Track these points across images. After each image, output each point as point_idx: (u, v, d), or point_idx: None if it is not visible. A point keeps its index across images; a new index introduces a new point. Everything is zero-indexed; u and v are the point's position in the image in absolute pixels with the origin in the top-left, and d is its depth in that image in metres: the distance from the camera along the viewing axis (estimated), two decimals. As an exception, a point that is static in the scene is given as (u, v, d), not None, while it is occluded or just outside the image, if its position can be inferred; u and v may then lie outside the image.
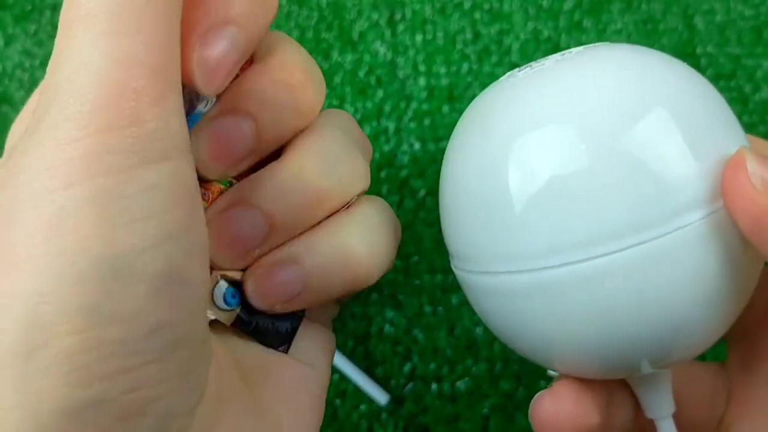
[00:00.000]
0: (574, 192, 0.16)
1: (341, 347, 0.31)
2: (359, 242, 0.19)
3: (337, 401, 0.31)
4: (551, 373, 0.28)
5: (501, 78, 0.19)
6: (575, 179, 0.16)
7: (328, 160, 0.19)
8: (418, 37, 0.37)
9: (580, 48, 0.19)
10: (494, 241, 0.17)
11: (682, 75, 0.18)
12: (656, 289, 0.16)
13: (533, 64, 0.19)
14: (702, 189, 0.16)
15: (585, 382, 0.19)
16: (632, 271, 0.16)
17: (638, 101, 0.16)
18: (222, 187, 0.19)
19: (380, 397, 0.30)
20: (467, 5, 0.38)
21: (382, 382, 0.31)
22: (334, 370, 0.31)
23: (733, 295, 0.17)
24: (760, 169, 0.15)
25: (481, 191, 0.17)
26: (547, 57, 0.19)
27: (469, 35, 0.38)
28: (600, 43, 0.19)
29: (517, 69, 0.19)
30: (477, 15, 0.38)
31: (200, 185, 0.18)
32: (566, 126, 0.16)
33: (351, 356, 0.31)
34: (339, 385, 0.31)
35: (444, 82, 0.36)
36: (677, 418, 0.20)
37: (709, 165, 0.16)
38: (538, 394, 0.19)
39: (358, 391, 0.30)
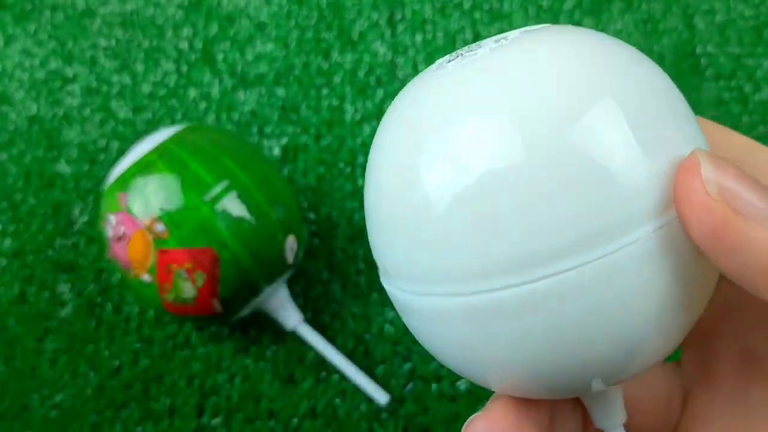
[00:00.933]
0: (507, 206, 0.14)
1: (341, 347, 0.31)
2: None
3: (337, 401, 0.31)
4: None
5: (430, 67, 0.17)
6: (507, 192, 0.14)
7: None
8: (418, 37, 0.37)
9: (519, 31, 0.16)
10: (420, 261, 0.15)
11: (631, 63, 0.16)
12: (604, 310, 0.14)
13: (466, 50, 0.16)
14: (653, 198, 0.14)
15: (524, 399, 0.17)
16: (578, 292, 0.14)
17: (581, 96, 0.14)
18: None
19: (380, 397, 0.30)
20: (467, 5, 0.38)
21: (382, 382, 0.31)
22: (334, 370, 0.31)
23: (688, 307, 0.15)
24: (715, 174, 0.13)
25: (403, 203, 0.15)
26: (482, 41, 0.17)
27: (469, 35, 0.38)
28: (542, 26, 0.17)
29: (448, 56, 0.17)
30: (477, 15, 0.38)
31: None
32: (495, 128, 0.14)
33: (351, 356, 0.31)
34: (339, 385, 0.31)
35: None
36: (630, 425, 0.18)
37: (661, 170, 0.14)
38: (471, 417, 0.17)
39: (357, 391, 0.30)
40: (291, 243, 0.29)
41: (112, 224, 0.27)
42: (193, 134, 0.28)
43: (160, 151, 0.27)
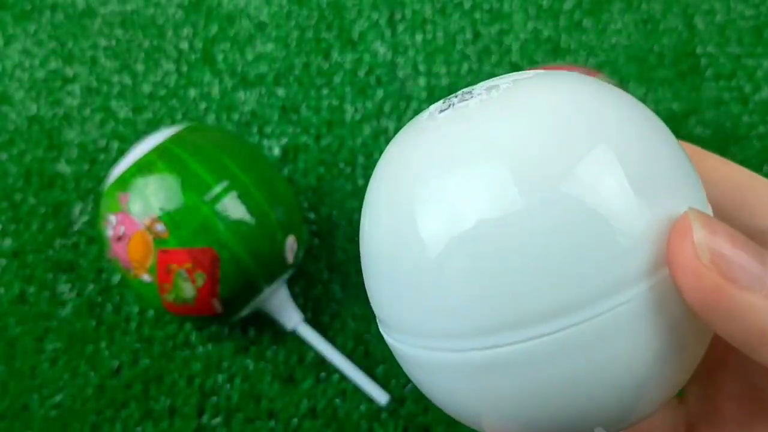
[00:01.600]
0: (500, 265, 0.14)
1: (341, 347, 0.31)
2: None
3: (337, 401, 0.31)
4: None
5: (420, 115, 0.17)
6: (501, 251, 0.14)
7: None
8: (418, 37, 0.37)
9: (511, 79, 0.16)
10: (414, 316, 0.15)
11: (627, 113, 0.15)
12: (600, 367, 0.14)
13: (457, 99, 0.16)
14: (647, 256, 0.14)
15: None
16: (573, 350, 0.14)
17: (575, 152, 0.14)
18: None
19: (380, 396, 0.30)
20: (467, 5, 0.38)
21: (382, 382, 0.31)
22: (334, 370, 0.31)
23: (684, 359, 0.15)
24: (707, 237, 0.13)
25: (397, 259, 0.15)
26: (474, 87, 0.16)
27: (469, 35, 0.38)
28: (535, 73, 0.17)
29: (440, 103, 0.16)
30: (477, 15, 0.38)
31: None
32: (488, 186, 0.14)
33: (351, 356, 0.31)
34: (339, 385, 0.31)
35: (444, 81, 0.36)
36: None
37: (657, 227, 0.14)
38: None
39: (357, 391, 0.30)
40: (291, 243, 0.29)
41: (112, 224, 0.27)
42: (193, 134, 0.28)
43: (160, 151, 0.27)
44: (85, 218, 0.34)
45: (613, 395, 0.14)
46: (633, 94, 0.36)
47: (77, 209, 0.34)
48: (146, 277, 0.27)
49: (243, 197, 0.27)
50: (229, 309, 0.28)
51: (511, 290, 0.14)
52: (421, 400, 0.31)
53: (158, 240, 0.26)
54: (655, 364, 0.14)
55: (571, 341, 0.14)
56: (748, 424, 0.18)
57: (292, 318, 0.30)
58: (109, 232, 0.27)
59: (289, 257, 0.29)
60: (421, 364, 0.16)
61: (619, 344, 0.14)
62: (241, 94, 0.36)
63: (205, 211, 0.26)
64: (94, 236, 0.33)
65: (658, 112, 0.36)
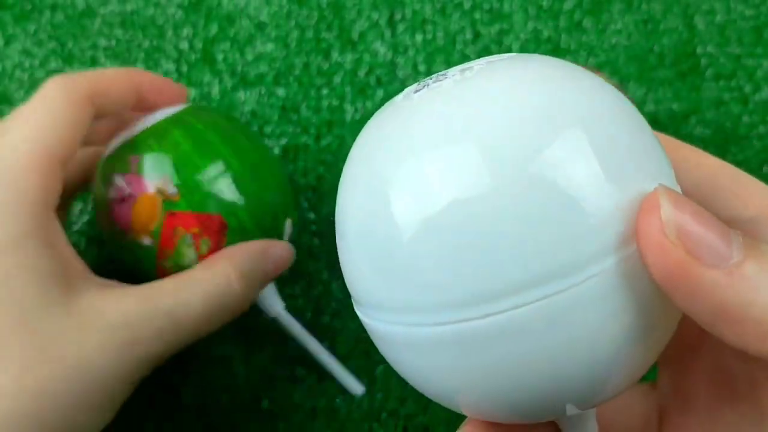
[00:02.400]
0: (471, 239, 0.14)
1: (341, 347, 0.31)
2: None
3: (338, 401, 0.31)
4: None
5: (396, 98, 0.17)
6: (471, 225, 0.14)
7: None
8: (418, 37, 0.37)
9: (485, 61, 0.16)
10: (385, 290, 0.15)
11: (597, 93, 0.15)
12: (571, 341, 0.14)
13: (432, 80, 0.16)
14: (617, 231, 0.14)
15: (497, 423, 0.18)
16: (543, 324, 0.14)
17: (546, 128, 0.14)
18: None
19: (355, 387, 0.30)
20: (467, 5, 0.38)
21: (383, 382, 0.31)
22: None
23: (654, 335, 0.15)
24: (675, 214, 0.13)
25: (370, 233, 0.15)
26: (449, 70, 0.17)
27: (469, 35, 0.38)
28: (509, 56, 0.17)
29: (415, 85, 0.17)
30: (477, 15, 0.38)
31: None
32: (460, 161, 0.14)
33: (350, 356, 0.31)
34: (339, 385, 0.31)
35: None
36: None
37: (626, 202, 0.14)
38: None
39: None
40: (288, 227, 0.29)
41: (117, 185, 0.27)
42: (203, 111, 0.29)
43: (174, 119, 0.27)
44: (85, 218, 0.34)
45: (583, 370, 0.15)
46: (633, 94, 0.36)
47: (77, 209, 0.34)
48: (146, 241, 0.26)
49: (253, 171, 0.27)
50: None
51: (482, 264, 0.14)
52: (421, 399, 0.31)
53: (168, 202, 0.26)
54: (625, 340, 0.14)
55: (541, 314, 0.14)
56: (718, 409, 0.18)
57: (274, 305, 0.30)
58: (112, 194, 0.27)
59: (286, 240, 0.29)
60: (395, 341, 0.16)
61: (589, 318, 0.14)
62: (241, 94, 0.36)
63: (219, 178, 0.26)
64: (94, 236, 0.33)
65: (658, 112, 0.36)
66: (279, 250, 0.27)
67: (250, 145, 0.28)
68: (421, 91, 0.16)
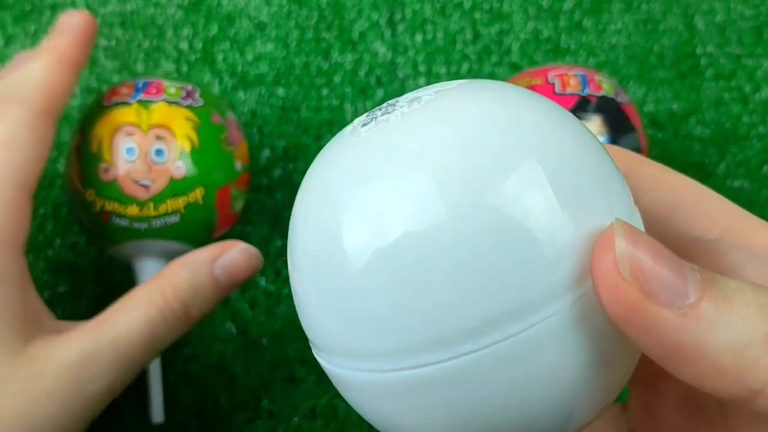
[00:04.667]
0: (419, 283, 0.13)
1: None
2: None
3: (338, 401, 0.31)
4: None
5: (344, 130, 0.17)
6: (419, 267, 0.13)
7: None
8: (418, 37, 0.37)
9: (433, 91, 0.16)
10: (335, 337, 0.15)
11: (554, 122, 0.15)
12: (528, 382, 0.14)
13: (380, 113, 0.16)
14: (573, 269, 0.13)
15: None
16: (499, 367, 0.13)
17: (498, 163, 0.14)
18: None
19: (157, 415, 0.28)
20: (467, 5, 0.38)
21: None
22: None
23: (620, 365, 0.15)
24: (629, 250, 0.13)
25: (317, 277, 0.15)
26: (397, 100, 0.16)
27: (469, 35, 0.38)
28: (458, 84, 0.16)
29: (364, 116, 0.16)
30: (477, 15, 0.38)
31: None
32: (405, 199, 0.13)
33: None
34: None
35: (444, 81, 0.36)
36: None
37: (582, 240, 0.13)
38: None
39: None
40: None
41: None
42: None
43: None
44: (84, 218, 0.34)
45: (547, 407, 0.14)
46: (633, 94, 0.36)
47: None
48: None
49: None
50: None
51: (436, 307, 0.13)
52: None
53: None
54: (587, 375, 0.14)
55: (499, 356, 0.13)
56: (689, 431, 0.18)
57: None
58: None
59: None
60: (351, 385, 0.15)
61: (548, 357, 0.14)
62: (240, 94, 0.36)
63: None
64: (93, 236, 0.33)
65: (658, 113, 0.36)
66: (233, 256, 0.25)
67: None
68: (369, 124, 0.15)
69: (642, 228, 0.16)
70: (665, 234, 0.17)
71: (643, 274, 0.13)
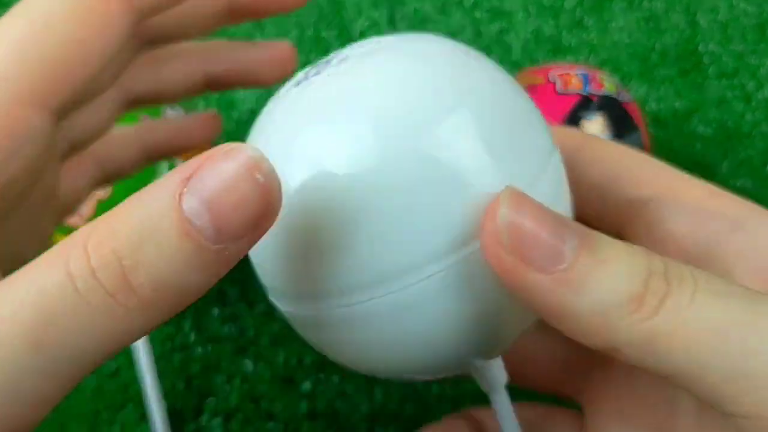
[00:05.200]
0: (333, 233, 0.14)
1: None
2: None
3: (338, 403, 0.30)
4: None
5: (283, 87, 0.18)
6: (330, 219, 0.14)
7: None
8: (419, 36, 0.37)
9: (363, 46, 0.17)
10: (282, 279, 0.16)
11: (484, 73, 0.16)
12: (452, 312, 0.15)
13: (312, 70, 0.17)
14: (469, 229, 0.14)
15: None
16: (421, 302, 0.15)
17: (425, 110, 0.14)
18: None
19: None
20: (468, 4, 0.38)
21: (383, 383, 0.30)
22: (334, 371, 0.31)
23: (517, 311, 0.16)
24: (511, 216, 0.13)
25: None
26: (329, 58, 0.17)
27: (469, 34, 0.37)
28: (395, 37, 0.17)
29: (301, 73, 0.17)
30: (478, 14, 0.38)
31: None
32: (322, 162, 0.14)
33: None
34: (339, 387, 0.31)
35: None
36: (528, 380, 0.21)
37: (484, 199, 0.14)
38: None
39: (358, 391, 0.30)
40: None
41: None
42: None
43: None
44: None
45: (470, 333, 0.15)
46: (635, 92, 0.36)
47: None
48: None
49: None
50: None
51: (367, 251, 0.14)
52: (421, 400, 0.30)
53: None
54: (503, 308, 0.15)
55: (420, 293, 0.15)
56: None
57: None
58: None
59: None
60: (298, 323, 0.17)
61: (464, 293, 0.15)
62: (240, 93, 0.36)
63: None
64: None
65: (660, 111, 0.36)
66: (217, 174, 0.12)
67: None
68: (302, 81, 0.17)
69: (561, 175, 0.16)
70: (610, 203, 0.18)
71: (521, 241, 0.13)
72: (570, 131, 0.20)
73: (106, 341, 0.12)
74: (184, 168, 0.12)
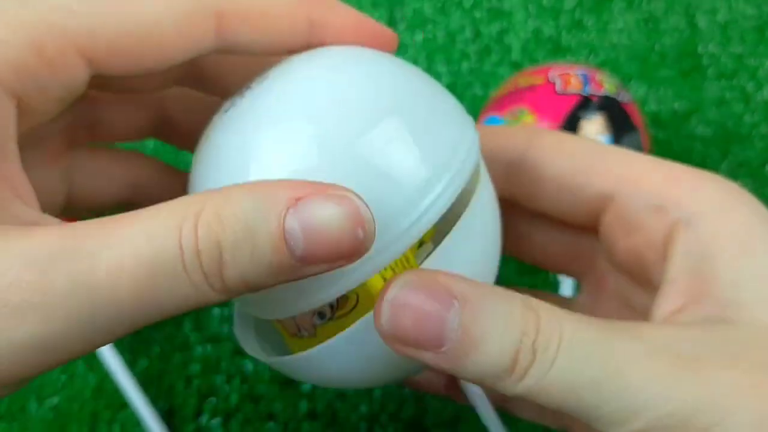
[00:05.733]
0: None
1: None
2: None
3: (337, 403, 0.30)
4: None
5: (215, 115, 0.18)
6: None
7: None
8: (419, 36, 0.37)
9: (281, 65, 0.17)
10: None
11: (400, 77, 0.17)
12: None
13: (239, 96, 0.17)
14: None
15: None
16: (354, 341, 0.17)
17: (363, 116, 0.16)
18: None
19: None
20: (467, 4, 0.38)
21: (383, 385, 0.30)
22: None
23: None
24: (401, 297, 0.15)
25: None
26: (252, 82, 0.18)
27: (469, 34, 0.38)
28: (309, 53, 0.18)
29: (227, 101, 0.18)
30: (477, 14, 0.38)
31: None
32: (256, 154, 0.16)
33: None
34: (339, 387, 0.31)
35: (444, 80, 0.36)
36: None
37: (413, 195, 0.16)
38: None
39: (358, 391, 0.30)
40: None
41: None
42: None
43: None
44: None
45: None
46: (634, 93, 0.36)
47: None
48: None
49: None
50: None
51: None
52: (421, 401, 0.30)
53: None
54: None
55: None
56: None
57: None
58: None
59: None
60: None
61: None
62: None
63: None
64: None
65: (659, 112, 0.36)
66: (323, 209, 0.14)
67: None
68: (229, 110, 0.17)
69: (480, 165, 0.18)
70: (580, 197, 0.19)
71: (402, 327, 0.15)
72: (513, 131, 0.21)
73: (182, 307, 0.14)
74: (296, 187, 0.14)
